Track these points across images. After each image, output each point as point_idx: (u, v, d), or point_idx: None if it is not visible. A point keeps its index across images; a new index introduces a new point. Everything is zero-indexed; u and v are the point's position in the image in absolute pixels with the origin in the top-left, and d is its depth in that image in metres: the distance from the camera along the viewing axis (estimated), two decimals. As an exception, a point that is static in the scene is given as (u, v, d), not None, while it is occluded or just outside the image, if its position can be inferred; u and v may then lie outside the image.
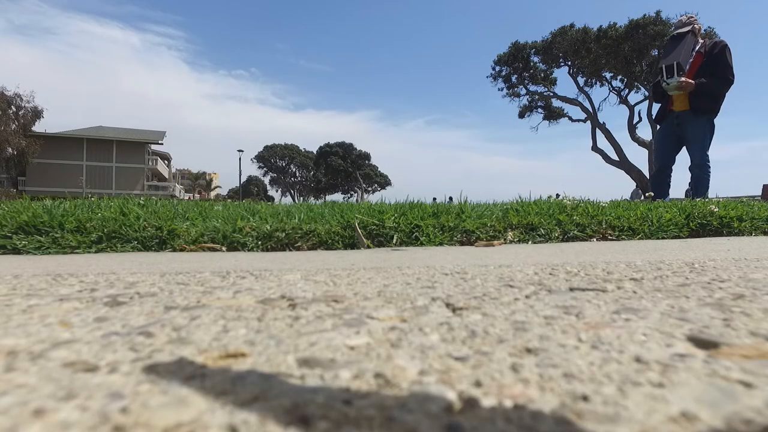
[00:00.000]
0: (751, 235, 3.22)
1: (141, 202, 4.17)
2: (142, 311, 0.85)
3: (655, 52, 21.89)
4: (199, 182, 66.09)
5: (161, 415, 0.41)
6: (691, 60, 4.97)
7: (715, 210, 3.34)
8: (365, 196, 53.80)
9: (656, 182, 5.32)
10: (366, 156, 58.65)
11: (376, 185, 58.45)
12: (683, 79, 4.85)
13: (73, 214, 3.01)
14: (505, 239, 2.95)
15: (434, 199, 3.96)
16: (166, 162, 52.37)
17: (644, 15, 21.93)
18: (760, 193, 11.02)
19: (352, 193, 56.84)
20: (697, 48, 5.02)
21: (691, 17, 5.19)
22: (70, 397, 0.46)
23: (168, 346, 0.63)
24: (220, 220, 3.13)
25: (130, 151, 43.18)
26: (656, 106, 5.39)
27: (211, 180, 71.24)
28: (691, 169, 5.07)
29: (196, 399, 0.44)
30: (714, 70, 4.86)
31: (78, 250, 2.61)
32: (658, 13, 21.90)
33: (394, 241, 2.88)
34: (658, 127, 5.39)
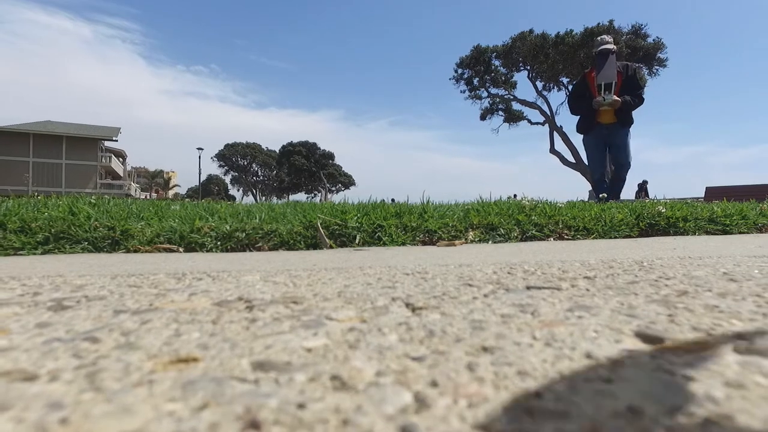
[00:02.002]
0: (695, 234, 3.40)
1: (92, 201, 3.98)
2: (89, 315, 0.81)
3: (608, 60, 22.77)
4: (156, 181, 63.92)
5: (104, 425, 0.39)
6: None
7: (663, 211, 3.51)
8: (329, 195, 53.41)
9: (602, 187, 5.83)
10: (330, 156, 58.24)
11: (340, 185, 58.13)
12: (616, 97, 5.46)
13: (16, 214, 2.84)
14: (466, 239, 2.99)
15: (382, 200, 4.04)
16: (120, 159, 50.30)
17: (598, 23, 22.78)
18: (703, 195, 11.68)
19: (316, 192, 56.29)
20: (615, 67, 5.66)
21: (612, 37, 5.83)
22: (4, 408, 0.43)
23: (115, 351, 0.60)
24: (177, 220, 3.03)
25: (81, 147, 41.16)
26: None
27: (169, 178, 68.98)
28: (617, 170, 5.81)
29: (142, 407, 0.43)
30: (631, 89, 5.54)
31: (22, 251, 2.47)
32: (611, 22, 22.79)
33: (357, 241, 2.87)
34: (584, 136, 5.97)
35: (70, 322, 0.77)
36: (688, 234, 3.40)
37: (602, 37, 5.81)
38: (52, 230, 2.61)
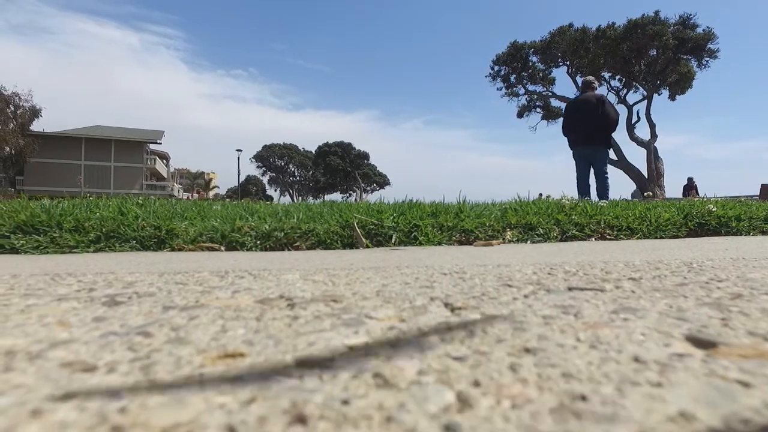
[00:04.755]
0: (749, 234, 3.23)
1: (139, 201, 4.16)
2: (141, 311, 0.85)
3: (653, 52, 21.89)
4: (197, 182, 66.01)
5: (159, 415, 0.41)
6: None
7: (713, 210, 3.35)
8: (364, 195, 53.67)
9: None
10: (365, 156, 58.54)
11: (374, 185, 58.30)
12: None
13: (71, 214, 3.01)
14: (503, 239, 2.95)
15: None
16: (164, 161, 52.21)
17: (643, 15, 21.90)
18: (758, 193, 11.05)
19: (351, 192, 56.67)
20: None
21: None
22: (68, 397, 0.46)
23: (166, 346, 0.63)
24: (218, 220, 3.13)
25: (128, 150, 43.04)
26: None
27: (209, 180, 71.13)
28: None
29: (194, 399, 0.44)
30: None
31: (76, 249, 2.61)
32: (656, 12, 21.85)
33: (393, 240, 2.88)
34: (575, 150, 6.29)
35: (124, 316, 0.81)
36: (741, 234, 3.23)
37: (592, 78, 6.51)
38: (104, 229, 2.74)
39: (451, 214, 3.26)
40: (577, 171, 6.19)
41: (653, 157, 21.46)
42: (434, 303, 0.89)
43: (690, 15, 21.92)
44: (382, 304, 0.89)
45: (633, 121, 22.97)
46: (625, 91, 23.93)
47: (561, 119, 6.82)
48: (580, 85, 6.64)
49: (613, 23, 22.55)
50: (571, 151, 6.24)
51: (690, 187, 15.67)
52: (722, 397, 0.44)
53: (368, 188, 57.63)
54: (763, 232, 3.28)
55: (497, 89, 26.19)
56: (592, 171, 6.11)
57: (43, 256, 2.38)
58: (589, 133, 5.92)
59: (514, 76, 25.55)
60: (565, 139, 6.32)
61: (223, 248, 2.75)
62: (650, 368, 0.52)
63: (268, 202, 5.80)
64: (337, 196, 55.92)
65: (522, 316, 0.77)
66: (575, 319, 0.75)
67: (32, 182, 38.32)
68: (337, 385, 0.48)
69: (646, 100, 22.73)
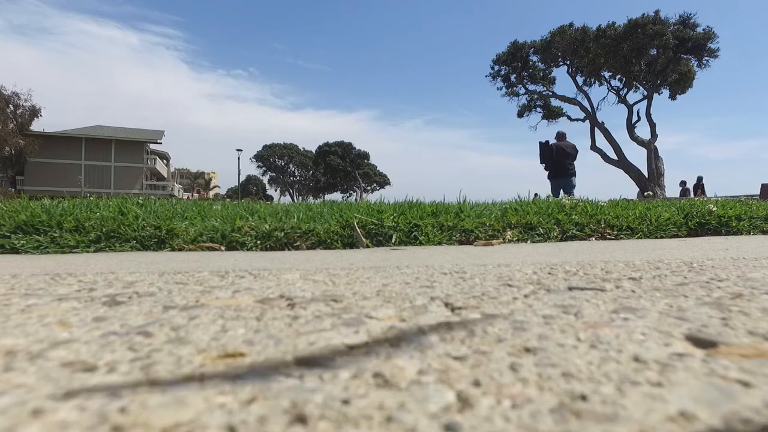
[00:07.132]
0: (750, 234, 3.23)
1: (140, 201, 4.16)
2: (141, 311, 0.85)
3: (654, 52, 21.87)
4: (198, 182, 66.01)
5: (160, 415, 0.41)
6: None
7: (714, 209, 3.35)
8: (364, 195, 53.58)
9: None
10: (365, 155, 58.47)
11: (375, 184, 58.22)
12: None
13: (71, 214, 3.01)
14: (504, 239, 2.95)
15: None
16: (164, 161, 52.14)
17: (643, 14, 21.86)
18: (759, 193, 11.04)
19: (351, 192, 56.58)
20: None
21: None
22: (68, 397, 0.46)
23: (167, 345, 0.63)
24: (218, 220, 3.13)
25: (128, 150, 43.02)
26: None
27: (210, 179, 71.13)
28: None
29: (194, 399, 0.44)
30: None
31: (76, 249, 2.61)
32: (657, 12, 21.83)
33: (393, 240, 2.88)
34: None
35: (124, 316, 0.81)
36: (741, 234, 3.23)
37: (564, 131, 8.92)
38: (104, 229, 2.74)
39: (451, 213, 3.26)
40: (552, 191, 8.58)
41: (653, 157, 21.45)
42: (434, 303, 0.89)
43: (690, 14, 21.92)
44: (383, 304, 0.89)
45: (633, 121, 22.95)
46: (626, 90, 23.89)
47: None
48: (557, 135, 8.88)
49: (614, 23, 22.53)
50: (550, 180, 8.67)
51: (697, 186, 15.42)
52: (722, 397, 0.44)
53: (368, 188, 57.55)
54: (764, 232, 3.28)
55: (497, 89, 26.17)
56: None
57: (43, 256, 2.38)
58: (569, 170, 8.56)
59: (515, 75, 25.53)
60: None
61: (223, 248, 2.75)
62: (650, 368, 0.52)
63: (269, 202, 5.81)
64: (337, 196, 55.95)
65: (522, 316, 0.77)
66: (575, 318, 0.75)
67: (32, 182, 38.29)
68: (337, 384, 0.48)
69: (646, 100, 22.71)
